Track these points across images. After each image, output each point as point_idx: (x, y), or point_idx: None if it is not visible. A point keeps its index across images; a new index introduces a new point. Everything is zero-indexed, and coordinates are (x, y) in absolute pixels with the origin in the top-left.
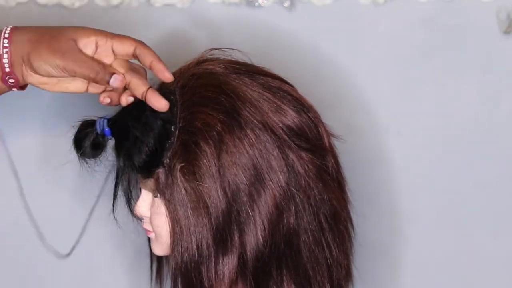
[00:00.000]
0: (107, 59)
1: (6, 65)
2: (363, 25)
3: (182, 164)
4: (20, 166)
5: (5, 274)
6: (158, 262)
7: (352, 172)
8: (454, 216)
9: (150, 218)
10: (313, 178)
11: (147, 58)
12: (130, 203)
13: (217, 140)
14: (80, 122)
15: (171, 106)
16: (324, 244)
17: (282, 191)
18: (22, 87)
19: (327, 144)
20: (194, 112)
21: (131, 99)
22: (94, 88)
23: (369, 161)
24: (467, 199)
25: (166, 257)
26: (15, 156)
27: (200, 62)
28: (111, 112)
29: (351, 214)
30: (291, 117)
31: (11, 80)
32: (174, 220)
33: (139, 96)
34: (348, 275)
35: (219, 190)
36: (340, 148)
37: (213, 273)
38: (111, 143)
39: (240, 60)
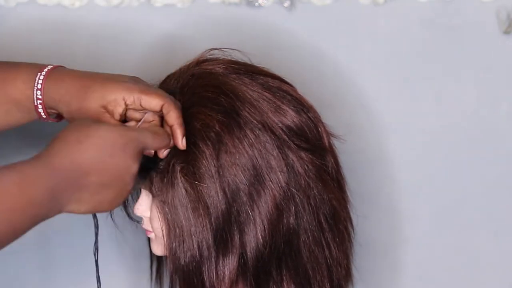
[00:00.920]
0: (138, 114)
1: None
2: (363, 25)
3: (182, 165)
4: None
5: None
6: (158, 262)
7: (352, 172)
8: (454, 216)
9: (150, 218)
10: (313, 178)
11: (170, 120)
12: (126, 207)
13: (216, 141)
14: None
15: None
16: (324, 244)
17: (282, 191)
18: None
19: (327, 144)
20: (193, 113)
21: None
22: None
23: (369, 161)
24: (467, 199)
25: (166, 257)
26: (15, 157)
27: (200, 62)
28: None
29: (351, 214)
30: (290, 117)
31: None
32: (174, 221)
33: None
34: (348, 275)
35: (218, 191)
36: (340, 148)
37: (214, 274)
38: None
39: (240, 60)
